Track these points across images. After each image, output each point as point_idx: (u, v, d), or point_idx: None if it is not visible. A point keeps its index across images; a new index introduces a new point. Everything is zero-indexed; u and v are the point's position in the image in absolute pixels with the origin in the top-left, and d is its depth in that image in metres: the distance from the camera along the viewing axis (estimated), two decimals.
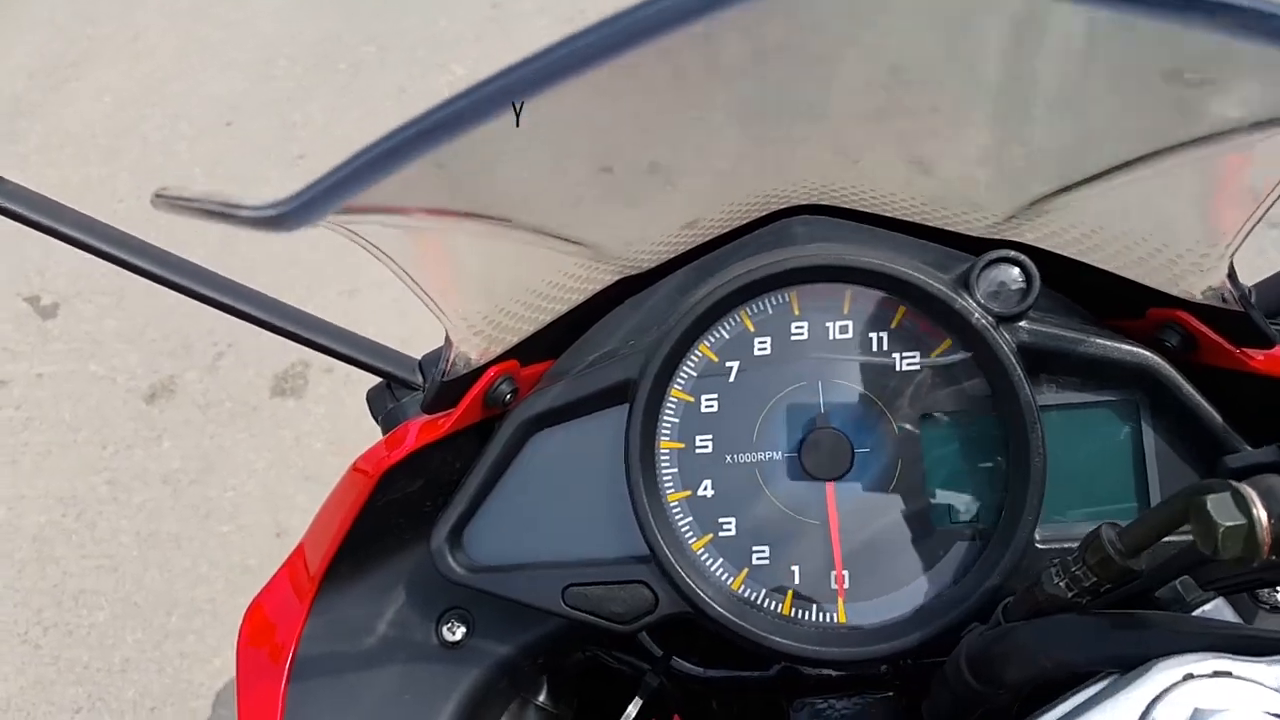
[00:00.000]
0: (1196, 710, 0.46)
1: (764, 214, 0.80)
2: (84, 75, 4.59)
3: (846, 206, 0.79)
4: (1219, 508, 0.47)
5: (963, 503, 0.71)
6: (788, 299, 0.75)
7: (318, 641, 0.79)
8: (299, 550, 0.85)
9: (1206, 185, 0.61)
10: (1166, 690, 0.47)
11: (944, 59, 0.58)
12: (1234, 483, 0.47)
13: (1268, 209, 0.59)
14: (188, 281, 0.76)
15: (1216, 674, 0.47)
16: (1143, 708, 0.47)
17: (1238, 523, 0.46)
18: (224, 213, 0.37)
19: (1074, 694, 0.52)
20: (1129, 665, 0.50)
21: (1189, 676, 0.48)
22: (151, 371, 3.80)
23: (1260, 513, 0.46)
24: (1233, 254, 0.63)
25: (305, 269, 3.66)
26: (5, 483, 3.39)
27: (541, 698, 0.84)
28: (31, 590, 3.06)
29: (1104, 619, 0.55)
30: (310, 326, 0.81)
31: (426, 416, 0.76)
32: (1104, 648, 0.53)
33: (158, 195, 0.45)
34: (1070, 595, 0.57)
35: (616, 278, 0.79)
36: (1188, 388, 0.68)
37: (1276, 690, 0.46)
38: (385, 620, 0.80)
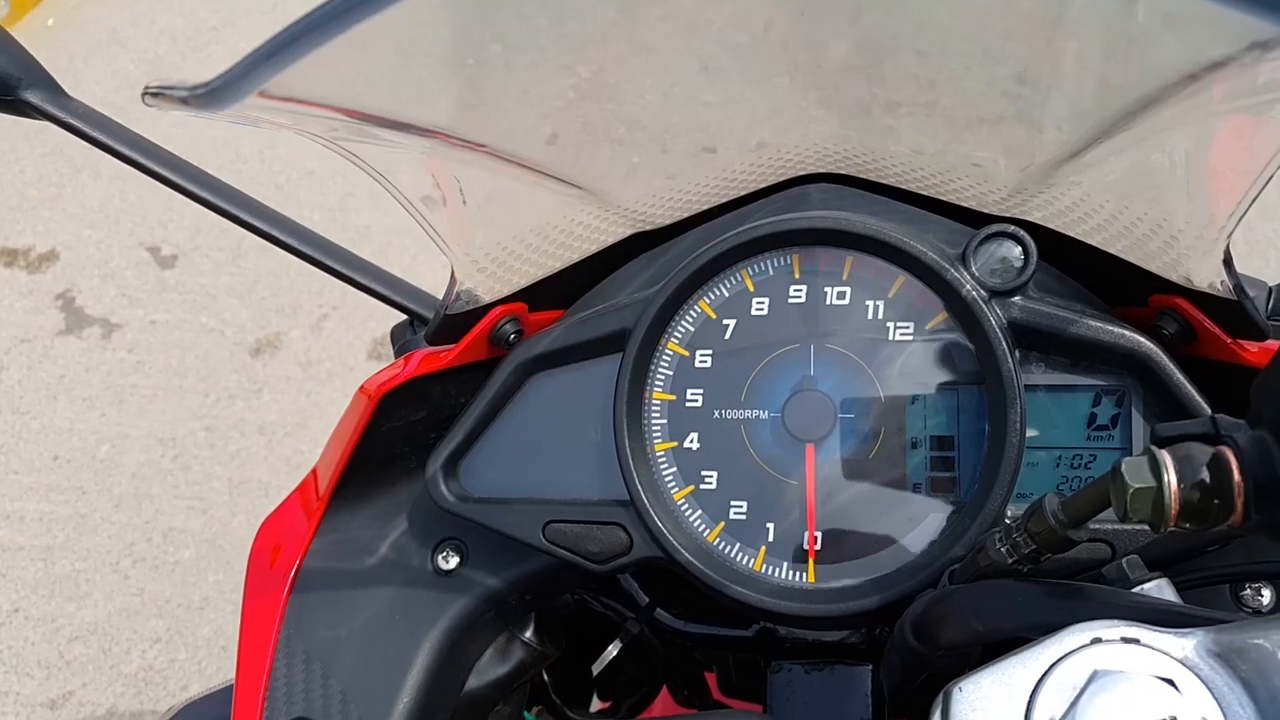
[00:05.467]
0: (1095, 671, 0.46)
1: (783, 179, 0.80)
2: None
3: (864, 177, 0.79)
4: (1133, 470, 0.47)
5: (940, 475, 0.71)
6: (789, 261, 0.75)
7: (321, 558, 0.83)
8: (311, 473, 0.89)
9: (1201, 164, 0.60)
10: (1072, 652, 0.47)
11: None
12: (1154, 448, 0.47)
13: (1259, 192, 0.58)
14: (228, 204, 0.81)
15: (1124, 640, 0.47)
16: (1045, 667, 0.47)
17: (1147, 485, 0.46)
18: (163, 94, 0.40)
19: (1001, 658, 0.52)
20: (1054, 631, 0.50)
21: (1096, 640, 0.48)
22: (259, 327, 3.95)
23: (1170, 478, 0.45)
24: (1228, 237, 0.62)
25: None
26: (111, 421, 3.57)
27: (528, 634, 0.86)
28: (125, 524, 3.22)
29: (1037, 586, 0.55)
30: (339, 258, 0.85)
31: (431, 348, 0.79)
32: (1032, 614, 0.53)
33: (145, 92, 0.48)
34: (1010, 562, 0.57)
35: (630, 231, 0.81)
36: (1178, 376, 0.66)
37: (1179, 661, 0.45)
38: (385, 544, 0.83)
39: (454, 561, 0.82)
